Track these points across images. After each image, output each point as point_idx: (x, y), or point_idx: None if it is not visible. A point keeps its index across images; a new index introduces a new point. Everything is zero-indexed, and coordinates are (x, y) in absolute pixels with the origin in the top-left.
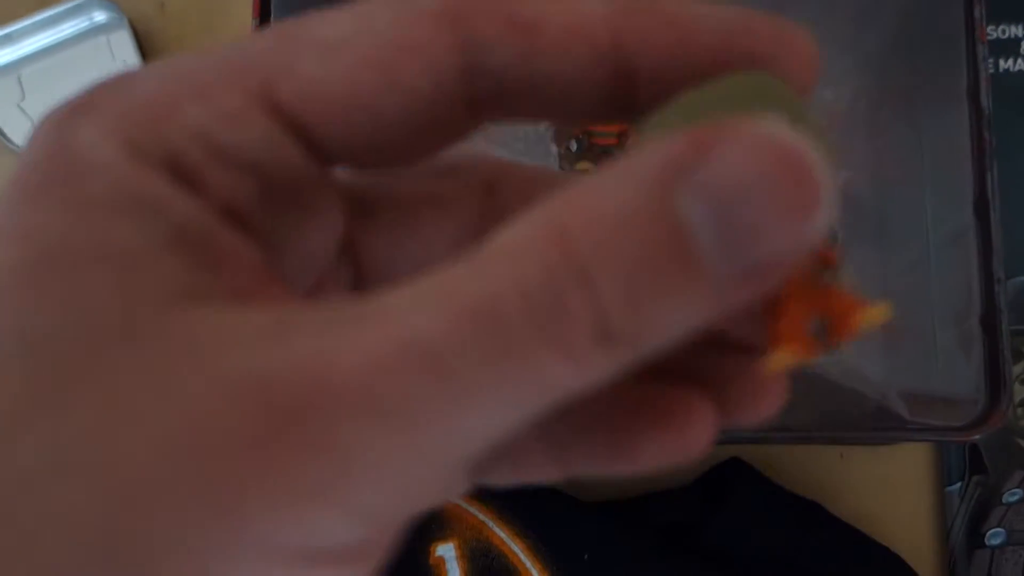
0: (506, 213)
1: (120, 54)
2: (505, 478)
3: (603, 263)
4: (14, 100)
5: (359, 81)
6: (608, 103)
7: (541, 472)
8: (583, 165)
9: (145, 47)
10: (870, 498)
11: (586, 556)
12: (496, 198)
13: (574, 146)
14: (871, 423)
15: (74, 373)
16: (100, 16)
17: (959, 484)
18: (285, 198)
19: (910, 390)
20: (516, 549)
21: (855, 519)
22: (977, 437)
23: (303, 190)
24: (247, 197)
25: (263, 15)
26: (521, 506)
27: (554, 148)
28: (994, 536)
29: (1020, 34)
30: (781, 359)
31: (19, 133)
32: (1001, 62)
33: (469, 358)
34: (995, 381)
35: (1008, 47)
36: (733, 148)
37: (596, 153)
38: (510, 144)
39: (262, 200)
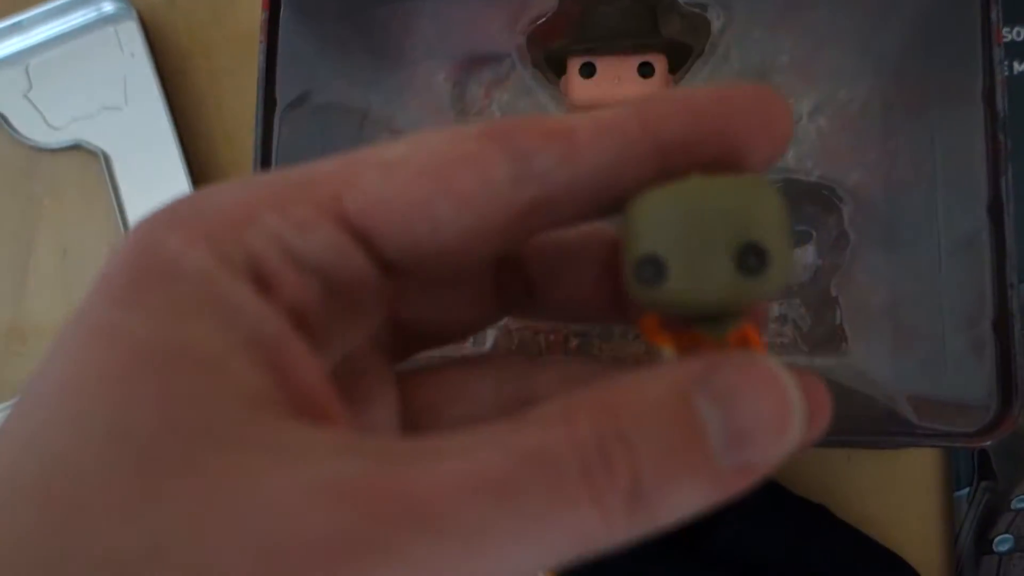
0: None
1: (128, 46)
2: None
3: (642, 436)
4: (21, 90)
5: (417, 190)
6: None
7: None
8: None
9: (153, 39)
10: (877, 502)
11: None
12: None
13: None
14: (880, 427)
15: (171, 470)
16: (108, 7)
17: (967, 489)
18: (345, 304)
19: (919, 394)
20: None
21: (862, 522)
22: (988, 443)
23: (362, 299)
24: (313, 301)
25: (273, 8)
26: None
27: None
28: (1002, 542)
29: None
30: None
31: (26, 124)
32: (1016, 64)
33: (528, 494)
34: (1007, 386)
35: (1022, 50)
36: (738, 376)
37: None
38: None
39: (324, 305)
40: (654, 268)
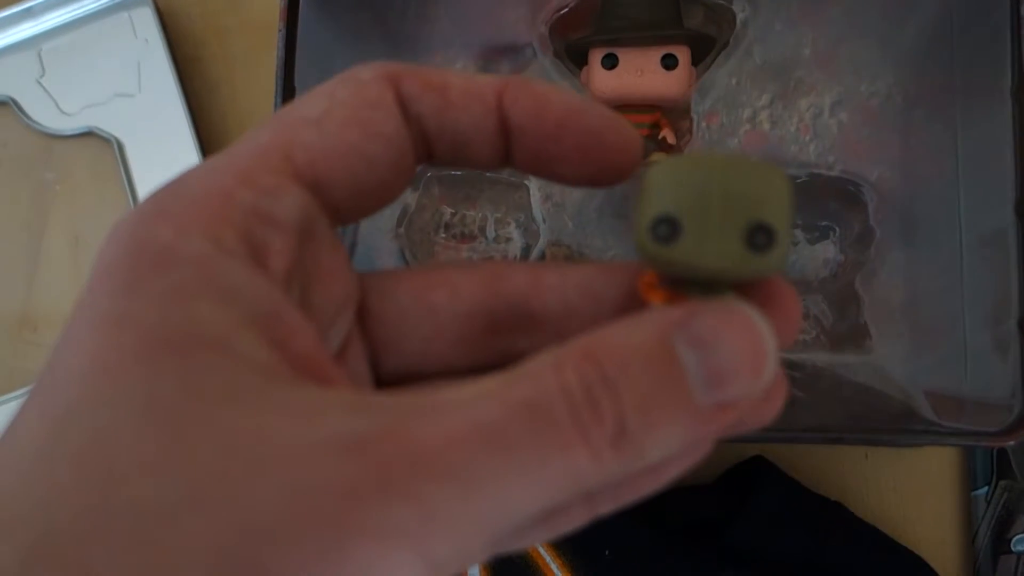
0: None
1: (142, 31)
2: (540, 537)
3: (626, 380)
4: (34, 76)
5: (349, 137)
6: (498, 152)
7: (572, 521)
8: None
9: (168, 25)
10: (895, 500)
11: (608, 552)
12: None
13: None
14: (900, 425)
15: (201, 433)
16: None
17: (986, 488)
18: (318, 263)
19: (941, 392)
20: (537, 545)
21: (879, 520)
22: (1012, 443)
23: (329, 253)
24: (295, 264)
25: None
26: None
27: None
28: (1020, 542)
29: None
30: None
31: (39, 109)
32: None
33: (524, 440)
34: None
35: None
36: (716, 321)
37: None
38: None
39: (303, 266)
40: (669, 228)
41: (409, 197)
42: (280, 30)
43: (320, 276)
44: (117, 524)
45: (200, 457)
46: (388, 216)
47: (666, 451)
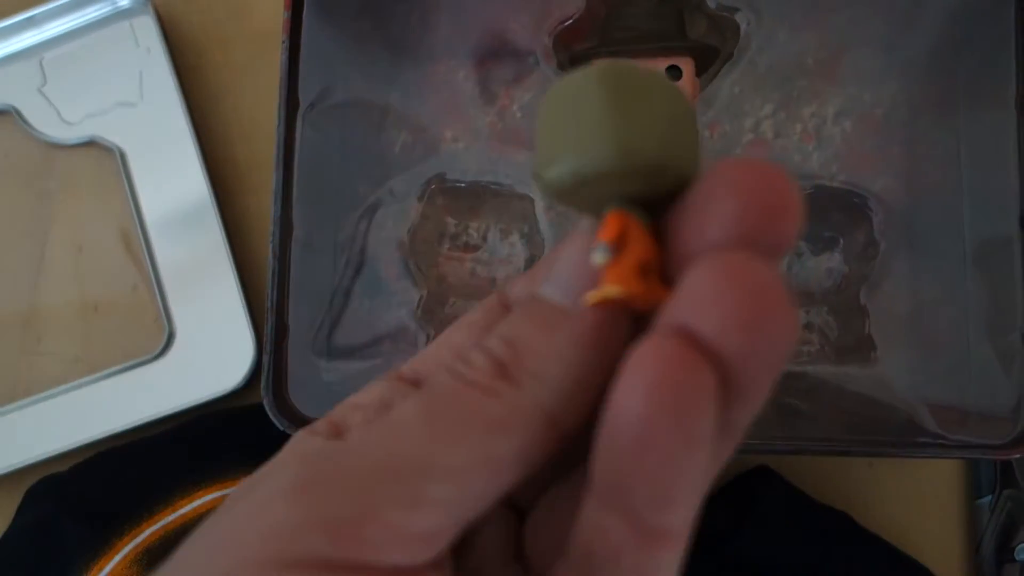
0: None
1: (144, 40)
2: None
3: (509, 328)
4: (36, 85)
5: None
6: None
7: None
8: None
9: (170, 34)
10: (899, 509)
11: None
12: None
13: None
14: (903, 436)
15: None
16: (124, 1)
17: (989, 498)
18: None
19: (942, 403)
20: None
21: (884, 530)
22: (1018, 456)
23: None
24: None
25: (295, 7)
26: None
27: None
28: None
29: None
30: (607, 291)
31: (40, 118)
32: None
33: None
34: None
35: None
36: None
37: None
38: None
39: None
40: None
41: (413, 208)
42: (283, 41)
43: None
44: None
45: None
46: (392, 227)
47: (555, 360)
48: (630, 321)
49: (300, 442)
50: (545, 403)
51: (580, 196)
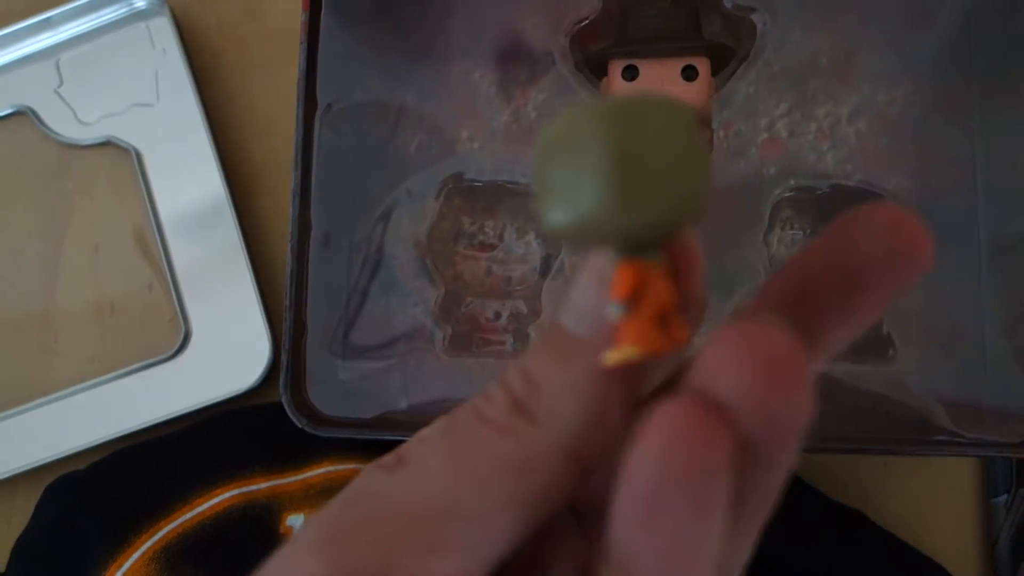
0: None
1: (160, 41)
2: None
3: (510, 371)
4: (52, 86)
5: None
6: None
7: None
8: None
9: (185, 35)
10: (914, 507)
11: None
12: None
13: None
14: (918, 434)
15: None
16: (140, 2)
17: (1005, 496)
18: None
19: (957, 401)
20: None
21: (898, 528)
22: None
23: None
24: None
25: (313, 9)
26: None
27: None
28: None
29: None
30: (626, 352)
31: (57, 119)
32: None
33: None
34: None
35: None
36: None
37: None
38: None
39: None
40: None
41: (430, 207)
42: (302, 42)
43: None
44: None
45: None
46: (408, 227)
47: (572, 394)
48: None
49: (355, 480)
50: (563, 440)
51: (584, 240)
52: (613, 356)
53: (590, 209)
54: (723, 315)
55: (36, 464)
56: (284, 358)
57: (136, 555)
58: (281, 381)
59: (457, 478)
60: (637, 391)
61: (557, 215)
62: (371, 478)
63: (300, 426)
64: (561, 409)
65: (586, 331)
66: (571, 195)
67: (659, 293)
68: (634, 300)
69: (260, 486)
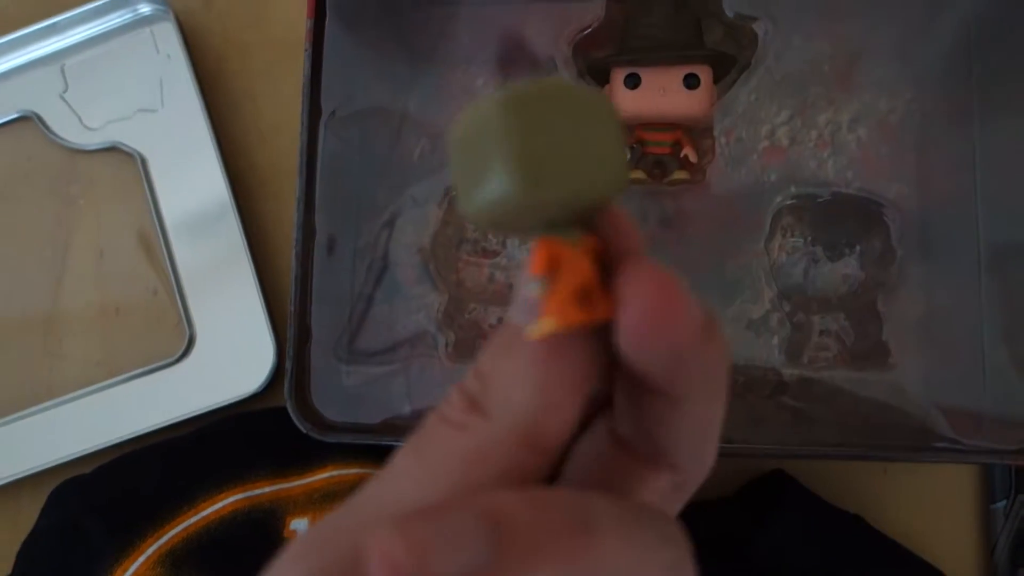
0: None
1: (164, 47)
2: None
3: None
4: (57, 91)
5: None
6: None
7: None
8: (636, 174)
9: (190, 41)
10: (914, 514)
11: None
12: None
13: (628, 154)
14: (918, 441)
15: None
16: (145, 8)
17: (1004, 502)
18: None
19: (957, 408)
20: None
21: (898, 534)
22: None
23: None
24: None
25: (318, 16)
26: None
27: None
28: None
29: None
30: (545, 324)
31: (62, 124)
32: None
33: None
34: None
35: None
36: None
37: (649, 163)
38: None
39: None
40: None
41: (434, 214)
42: (307, 49)
43: None
44: None
45: None
46: (412, 233)
47: (519, 383)
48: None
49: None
50: (514, 428)
51: (505, 225)
52: (535, 330)
53: (495, 193)
54: (726, 321)
55: (41, 468)
56: (288, 363)
57: (141, 558)
58: (285, 386)
59: (423, 474)
60: (588, 374)
61: (469, 202)
62: (362, 488)
63: (304, 431)
64: (510, 398)
65: (526, 320)
66: (478, 182)
67: (577, 268)
68: (552, 276)
69: (264, 490)
